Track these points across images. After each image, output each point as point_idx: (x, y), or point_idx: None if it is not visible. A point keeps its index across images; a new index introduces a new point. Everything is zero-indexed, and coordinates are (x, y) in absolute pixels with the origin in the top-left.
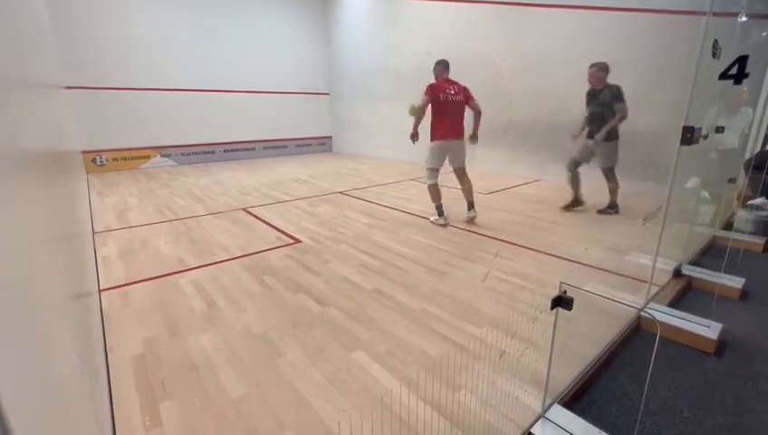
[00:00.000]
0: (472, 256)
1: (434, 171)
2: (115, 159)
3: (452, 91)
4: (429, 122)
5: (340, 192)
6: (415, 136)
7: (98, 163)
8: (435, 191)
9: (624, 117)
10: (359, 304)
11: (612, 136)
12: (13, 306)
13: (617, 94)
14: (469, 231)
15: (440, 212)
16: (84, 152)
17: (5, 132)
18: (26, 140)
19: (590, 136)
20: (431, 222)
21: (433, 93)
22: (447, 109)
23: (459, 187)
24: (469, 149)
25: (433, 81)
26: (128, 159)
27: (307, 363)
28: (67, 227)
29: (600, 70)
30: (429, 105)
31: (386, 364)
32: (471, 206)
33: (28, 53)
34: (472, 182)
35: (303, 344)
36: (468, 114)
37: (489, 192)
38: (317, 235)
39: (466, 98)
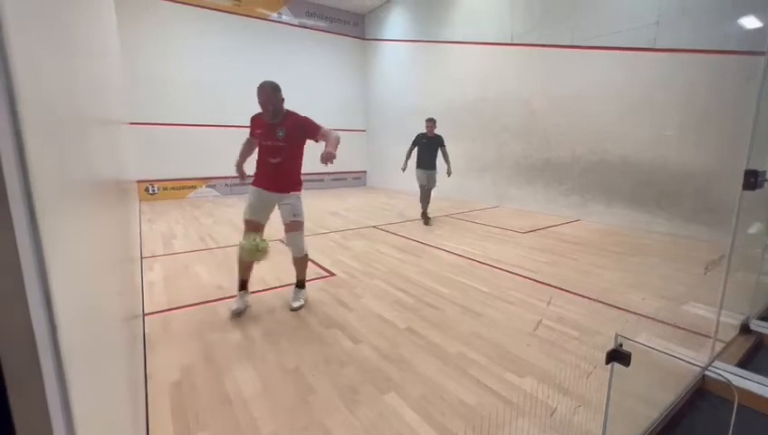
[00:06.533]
0: (510, 297)
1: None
2: (165, 189)
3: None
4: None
5: (373, 226)
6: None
7: (150, 192)
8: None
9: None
10: (392, 342)
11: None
12: (90, 322)
13: (442, 141)
14: (507, 271)
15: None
16: (139, 181)
17: (86, 163)
18: (102, 170)
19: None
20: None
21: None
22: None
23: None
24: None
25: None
26: (177, 188)
27: (338, 403)
28: (125, 251)
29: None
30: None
31: (420, 411)
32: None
33: (103, 95)
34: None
35: (335, 383)
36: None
37: (526, 231)
38: (351, 268)
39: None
